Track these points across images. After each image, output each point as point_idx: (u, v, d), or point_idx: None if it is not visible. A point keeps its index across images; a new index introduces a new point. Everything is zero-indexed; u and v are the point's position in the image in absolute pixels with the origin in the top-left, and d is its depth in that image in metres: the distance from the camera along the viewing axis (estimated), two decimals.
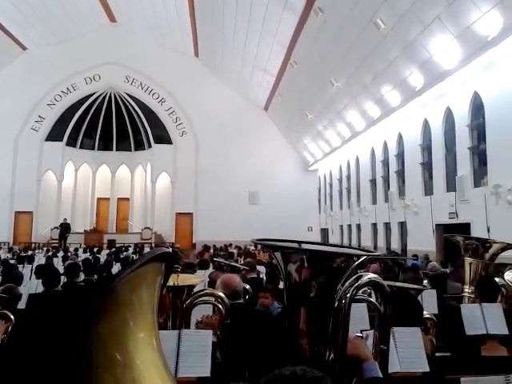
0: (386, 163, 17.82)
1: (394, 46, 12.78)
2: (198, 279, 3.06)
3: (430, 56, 11.94)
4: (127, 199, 26.75)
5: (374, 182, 19.04)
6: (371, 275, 1.63)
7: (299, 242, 1.64)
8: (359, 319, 2.94)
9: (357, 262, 1.55)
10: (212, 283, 4.84)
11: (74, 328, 0.58)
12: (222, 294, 2.67)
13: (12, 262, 10.37)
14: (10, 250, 18.36)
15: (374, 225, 18.71)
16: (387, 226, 17.49)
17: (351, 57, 14.66)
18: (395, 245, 16.54)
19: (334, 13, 13.77)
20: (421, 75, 12.81)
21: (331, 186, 25.06)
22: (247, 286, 4.51)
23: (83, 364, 0.59)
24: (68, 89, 25.06)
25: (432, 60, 11.97)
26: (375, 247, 18.10)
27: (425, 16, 11.08)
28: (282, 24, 16.00)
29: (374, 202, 18.82)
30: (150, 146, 26.19)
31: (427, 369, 2.50)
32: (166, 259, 0.71)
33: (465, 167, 12.39)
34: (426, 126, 14.60)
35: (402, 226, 16.21)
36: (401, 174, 16.51)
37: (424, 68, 12.48)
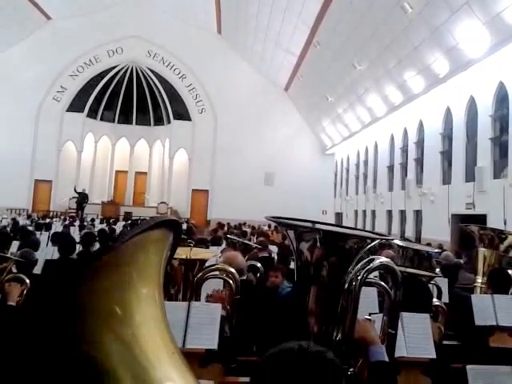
0: (405, 150, 17.62)
1: (419, 30, 12.51)
2: (210, 254, 3.09)
3: (457, 43, 11.67)
4: (145, 173, 26.95)
5: (391, 168, 18.87)
6: (383, 259, 1.62)
7: (313, 222, 1.64)
8: (369, 302, 2.95)
9: (370, 245, 1.55)
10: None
11: (69, 281, 0.59)
12: (233, 270, 2.69)
13: (30, 228, 10.57)
14: (29, 217, 18.72)
15: (390, 212, 18.60)
16: (403, 213, 17.37)
17: (376, 40, 14.40)
18: (409, 233, 16.45)
19: None
20: (446, 62, 12.55)
21: (348, 170, 24.90)
22: (258, 264, 4.54)
23: (79, 317, 0.60)
24: (91, 60, 25.12)
25: (458, 47, 11.70)
26: (389, 234, 18.02)
27: (453, 1, 10.79)
28: (308, 3, 15.74)
29: (391, 188, 18.68)
30: (169, 122, 26.24)
31: (434, 355, 2.50)
32: (174, 227, 0.72)
33: (485, 158, 12.20)
34: (448, 115, 14.36)
35: (418, 214, 16.09)
36: (419, 161, 16.32)
37: (449, 55, 12.22)
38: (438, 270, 5.67)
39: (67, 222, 15.18)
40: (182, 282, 2.59)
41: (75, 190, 22.66)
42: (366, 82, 16.99)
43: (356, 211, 22.86)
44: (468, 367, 2.16)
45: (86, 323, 0.61)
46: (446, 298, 4.18)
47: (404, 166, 17.64)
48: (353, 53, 16.10)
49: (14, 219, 14.65)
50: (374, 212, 20.45)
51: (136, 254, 0.66)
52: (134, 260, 0.66)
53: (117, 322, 0.63)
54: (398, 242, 5.56)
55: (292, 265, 4.94)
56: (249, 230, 14.59)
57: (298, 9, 16.45)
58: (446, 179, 14.43)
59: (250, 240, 9.25)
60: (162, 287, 0.72)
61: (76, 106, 25.24)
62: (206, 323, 2.48)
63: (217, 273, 2.75)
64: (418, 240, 15.28)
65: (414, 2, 11.92)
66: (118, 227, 13.63)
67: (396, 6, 12.43)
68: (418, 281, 2.94)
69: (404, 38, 13.21)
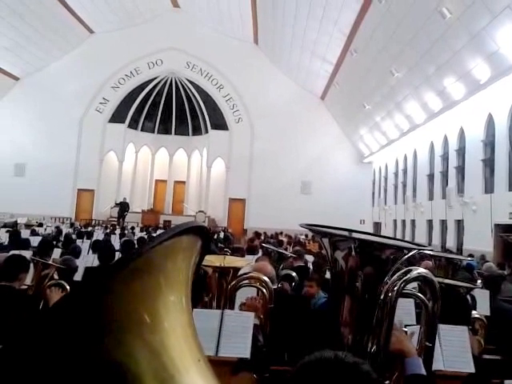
0: (445, 158, 17.20)
1: (459, 36, 12.24)
2: (244, 262, 3.10)
3: (498, 48, 11.35)
4: (183, 182, 27.36)
5: (431, 177, 18.45)
6: (421, 270, 1.59)
7: (349, 230, 1.62)
8: (405, 314, 2.89)
9: (407, 255, 1.51)
10: None
11: (98, 287, 0.60)
12: (266, 279, 2.69)
13: (73, 236, 10.88)
14: (72, 225, 19.29)
15: (430, 221, 18.17)
16: (443, 223, 16.93)
17: (414, 46, 14.18)
18: (451, 243, 16.00)
19: (398, 1, 13.34)
20: (487, 67, 12.22)
21: (386, 179, 24.51)
22: (293, 274, 4.52)
23: (109, 321, 0.61)
24: (131, 72, 25.80)
25: (499, 52, 11.39)
26: (430, 244, 17.57)
27: (494, 5, 10.52)
28: (344, 11, 15.68)
29: (431, 197, 18.26)
30: (206, 132, 26.58)
31: (472, 369, 2.42)
32: (202, 233, 0.72)
33: None
34: (490, 121, 13.94)
35: (459, 224, 15.64)
36: (460, 170, 15.90)
37: (490, 60, 11.89)
38: (479, 281, 5.49)
39: (108, 231, 15.55)
40: (216, 290, 2.60)
41: (116, 202, 23.25)
42: (405, 89, 16.73)
43: (395, 221, 22.43)
44: (506, 382, 2.07)
45: (115, 328, 0.61)
46: (487, 311, 4.03)
47: (444, 175, 17.22)
48: (390, 60, 15.91)
49: (57, 227, 15.12)
50: (413, 222, 20.02)
51: (164, 260, 0.67)
52: (162, 266, 0.67)
53: (145, 329, 0.64)
54: (429, 251, 5.39)
55: (328, 274, 4.89)
56: (285, 240, 14.56)
57: (335, 17, 16.41)
58: (489, 188, 13.99)
59: (286, 249, 9.22)
60: (189, 294, 0.73)
61: (117, 117, 25.95)
62: (238, 332, 2.48)
63: (250, 281, 2.75)
64: (460, 251, 14.84)
65: (453, 7, 11.70)
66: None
67: (434, 12, 12.22)
68: (456, 292, 2.85)
69: (443, 43, 12.96)
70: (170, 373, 0.64)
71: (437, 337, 2.37)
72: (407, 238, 20.06)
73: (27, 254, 4.90)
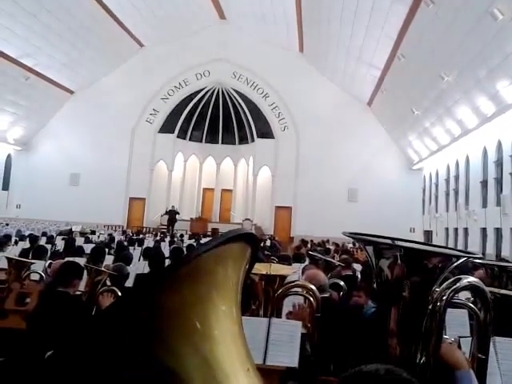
0: (499, 164, 16.53)
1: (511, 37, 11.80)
2: (290, 270, 3.10)
3: None
4: (230, 191, 27.62)
5: (485, 183, 17.77)
6: (471, 278, 1.55)
7: (393, 239, 1.59)
8: (459, 325, 2.80)
9: (455, 264, 1.48)
10: None
11: (149, 292, 0.61)
12: (313, 287, 2.68)
13: (124, 243, 11.20)
14: (124, 232, 19.86)
15: (484, 230, 17.48)
16: (498, 231, 16.25)
17: (464, 49, 13.78)
18: (506, 252, 15.32)
19: (447, 3, 13.02)
20: None
21: (437, 186, 23.80)
22: (341, 283, 4.47)
23: (157, 329, 0.62)
24: (180, 84, 26.39)
25: None
26: (484, 254, 16.90)
27: None
28: (390, 16, 15.46)
29: (485, 205, 17.57)
30: (252, 140, 26.77)
31: None
32: (251, 240, 0.73)
33: None
34: None
35: None
36: None
37: None
38: None
39: (158, 238, 15.90)
40: (263, 298, 2.62)
41: (166, 210, 23.79)
42: (455, 93, 16.25)
43: (447, 229, 21.72)
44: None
45: (166, 335, 0.63)
46: None
47: (499, 181, 16.54)
48: (439, 64, 15.52)
49: (110, 235, 15.61)
50: (466, 230, 19.31)
51: (214, 267, 0.68)
52: (213, 273, 0.68)
53: (196, 336, 0.65)
54: (479, 259, 5.15)
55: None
56: (332, 248, 14.41)
57: (381, 22, 16.21)
58: None
59: (333, 257, 9.12)
60: (239, 303, 0.73)
61: (167, 127, 26.59)
62: (286, 340, 2.48)
63: (297, 289, 2.75)
64: None
65: (504, 8, 11.29)
66: None
67: (485, 13, 11.84)
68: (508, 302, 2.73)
69: (495, 45, 12.52)
70: (218, 380, 0.65)
71: (492, 350, 2.28)
72: (459, 247, 19.37)
73: (81, 260, 5.09)
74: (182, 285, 0.63)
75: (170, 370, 0.62)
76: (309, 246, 15.41)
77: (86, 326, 0.61)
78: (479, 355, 1.55)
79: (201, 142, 27.69)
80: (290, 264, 6.36)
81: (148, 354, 0.61)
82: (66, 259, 4.90)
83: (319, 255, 7.16)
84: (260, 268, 2.73)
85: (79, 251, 7.65)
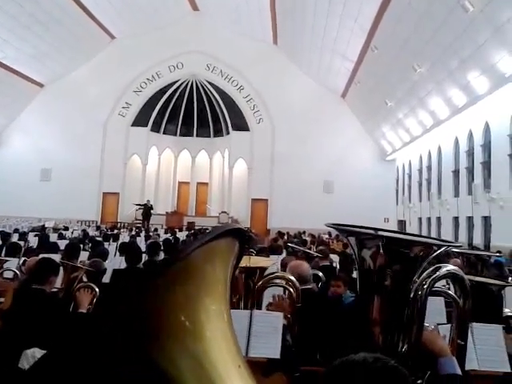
0: (470, 154, 16.91)
1: (482, 29, 12.02)
2: (270, 262, 3.10)
3: None
4: (206, 184, 27.51)
5: (456, 173, 18.15)
6: (450, 267, 1.57)
7: (375, 229, 1.60)
8: (436, 312, 2.85)
9: (436, 253, 1.49)
10: (285, 268, 4.87)
11: (145, 291, 0.60)
12: (293, 278, 2.69)
13: (99, 239, 11.04)
14: (98, 228, 19.59)
15: (456, 218, 17.88)
16: (470, 220, 16.64)
17: (436, 41, 13.97)
18: (478, 240, 15.72)
19: None
20: (511, 61, 11.96)
21: (410, 176, 24.21)
22: (320, 273, 4.50)
23: (150, 328, 0.61)
24: (153, 76, 26.05)
25: None
26: (456, 242, 17.30)
27: None
28: (364, 7, 15.55)
29: (457, 194, 17.96)
30: (228, 133, 26.68)
31: (508, 369, 2.37)
32: (240, 235, 0.72)
33: None
34: None
35: (486, 220, 15.35)
36: (487, 165, 15.60)
37: None
38: (510, 279, 5.38)
39: (134, 233, 15.74)
40: (243, 290, 2.61)
41: (139, 203, 23.46)
42: (427, 84, 16.49)
43: (420, 219, 22.14)
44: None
45: (158, 334, 0.62)
46: None
47: (470, 171, 16.92)
48: (412, 55, 15.71)
49: (84, 231, 15.37)
50: (439, 219, 19.72)
51: (203, 266, 0.66)
52: (202, 272, 0.67)
53: (188, 337, 0.64)
54: (457, 248, 5.28)
55: (354, 274, 4.85)
56: (309, 239, 14.50)
57: (354, 14, 16.28)
58: None
59: (310, 249, 9.19)
60: (228, 300, 0.72)
61: (140, 120, 26.23)
62: (268, 332, 2.48)
63: (277, 281, 2.75)
64: (488, 247, 14.57)
65: (475, 1, 11.49)
66: (182, 236, 13.99)
67: (457, 5, 12.01)
68: (487, 290, 2.80)
69: (466, 37, 12.74)
70: (211, 379, 0.65)
71: (470, 336, 2.34)
72: (433, 236, 19.77)
73: (56, 257, 5.00)
74: (172, 285, 0.62)
75: (164, 372, 0.61)
76: (285, 237, 15.48)
77: (76, 327, 0.59)
78: (458, 341, 1.58)
79: (175, 135, 27.45)
80: (268, 256, 6.38)
81: (142, 355, 0.60)
82: (41, 256, 4.80)
83: (297, 247, 7.21)
84: None
85: (53, 248, 7.51)
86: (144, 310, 0.60)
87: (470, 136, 16.84)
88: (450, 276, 1.57)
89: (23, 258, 5.78)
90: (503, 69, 12.41)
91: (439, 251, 1.51)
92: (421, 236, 1.98)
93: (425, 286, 1.45)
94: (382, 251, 1.47)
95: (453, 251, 5.87)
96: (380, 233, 1.57)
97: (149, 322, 0.61)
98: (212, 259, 0.68)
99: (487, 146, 15.58)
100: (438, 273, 1.48)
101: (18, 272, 5.18)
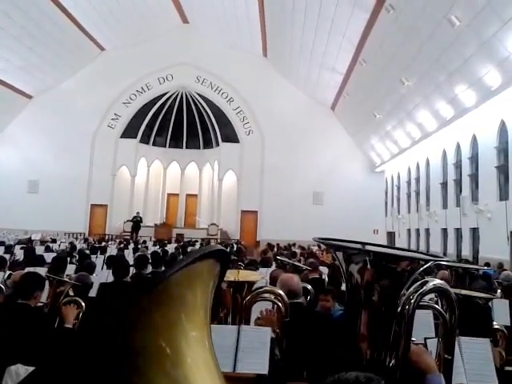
0: (458, 166, 17.07)
1: (469, 43, 12.21)
2: (259, 276, 3.08)
3: (509, 54, 11.30)
4: (195, 195, 27.44)
5: (445, 185, 18.30)
6: (437, 281, 1.57)
7: (363, 243, 1.60)
8: (424, 326, 2.84)
9: (423, 267, 1.49)
10: (273, 281, 4.84)
11: (122, 316, 0.58)
12: (281, 292, 2.67)
13: (86, 252, 10.92)
14: (86, 240, 19.37)
15: (444, 230, 17.98)
16: (458, 231, 16.75)
17: (423, 55, 14.16)
18: (466, 252, 15.81)
19: (407, 10, 13.36)
20: (498, 74, 12.16)
21: (399, 188, 24.36)
22: (309, 286, 4.49)
23: (132, 352, 0.59)
24: (142, 88, 26.06)
25: (510, 58, 11.35)
26: (445, 253, 17.39)
27: (503, 11, 10.49)
28: (352, 22, 15.73)
29: (445, 206, 18.09)
30: (217, 145, 26.69)
31: (496, 383, 2.36)
32: (221, 257, 0.70)
33: None
34: (503, 128, 13.83)
35: (475, 232, 15.46)
36: (474, 177, 15.75)
37: (502, 67, 11.83)
38: (499, 291, 5.40)
39: (122, 245, 15.58)
40: (231, 305, 2.59)
41: (129, 220, 23.33)
42: (415, 97, 16.68)
43: (409, 230, 22.24)
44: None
45: (138, 362, 0.60)
46: (507, 321, 3.96)
47: (458, 183, 17.07)
48: (400, 69, 15.90)
49: (71, 243, 15.19)
50: (427, 230, 19.82)
51: (183, 290, 0.65)
52: (182, 295, 0.65)
53: (167, 361, 0.62)
54: (445, 262, 5.30)
55: (343, 286, 4.84)
56: (298, 251, 14.49)
57: (343, 28, 16.47)
58: (503, 195, 13.83)
59: (299, 261, 9.17)
60: (209, 324, 0.71)
61: (129, 132, 26.18)
62: (256, 347, 2.46)
63: (266, 295, 2.73)
64: (476, 259, 14.66)
65: (461, 15, 11.68)
66: (171, 249, 13.88)
67: (443, 20, 12.21)
68: (475, 303, 2.80)
69: (453, 51, 12.93)
70: None
71: (458, 350, 2.33)
72: (422, 247, 19.85)
73: (42, 270, 4.94)
74: (150, 309, 0.61)
75: None
76: (275, 249, 15.45)
77: (60, 343, 0.58)
78: (445, 355, 1.57)
79: (164, 146, 27.41)
80: (258, 269, 6.36)
81: (120, 377, 0.59)
82: (27, 269, 4.74)
83: (286, 259, 7.19)
84: (228, 275, 2.71)
85: (40, 261, 7.42)
86: (123, 332, 0.59)
87: (458, 148, 17.01)
88: (436, 290, 1.57)
89: (8, 272, 5.69)
90: (490, 82, 12.59)
91: (426, 265, 1.52)
92: (408, 250, 1.98)
93: (412, 301, 1.44)
94: (369, 266, 1.47)
95: (443, 265, 5.90)
96: (367, 247, 1.56)
97: (127, 346, 0.59)
98: (193, 283, 0.66)
99: (475, 159, 15.74)
100: (424, 287, 1.47)
101: (2, 286, 5.09)
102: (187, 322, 0.65)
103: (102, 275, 6.15)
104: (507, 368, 2.90)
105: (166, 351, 0.62)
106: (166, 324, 0.63)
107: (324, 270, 7.26)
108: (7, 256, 8.09)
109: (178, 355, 0.63)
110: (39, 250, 11.14)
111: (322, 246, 17.07)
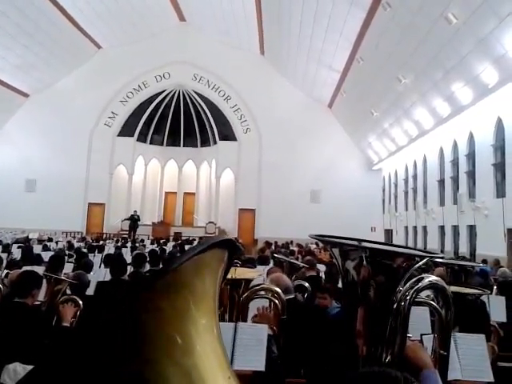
0: (455, 163, 17.10)
1: (466, 41, 12.22)
2: (255, 273, 3.09)
3: (505, 52, 11.30)
4: (193, 194, 27.42)
5: (442, 182, 18.34)
6: (432, 277, 1.58)
7: (359, 240, 1.61)
8: (420, 323, 2.85)
9: (419, 264, 1.50)
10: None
11: (133, 305, 0.59)
12: (278, 290, 2.68)
13: (84, 250, 10.91)
14: (83, 239, 19.36)
15: (442, 227, 18.02)
16: (455, 229, 16.79)
17: (420, 53, 14.18)
18: (463, 249, 15.85)
19: (403, 7, 13.37)
20: (495, 72, 12.17)
21: (396, 185, 24.39)
22: (306, 284, 4.50)
23: (142, 342, 0.60)
24: (139, 86, 26.02)
25: (507, 56, 11.34)
26: (442, 251, 17.42)
27: (500, 9, 10.50)
28: (349, 20, 15.73)
29: (442, 203, 18.12)
30: (215, 143, 26.68)
31: (491, 378, 2.38)
32: (229, 246, 0.71)
33: None
34: (500, 125, 13.85)
35: (472, 229, 15.50)
36: (471, 174, 15.79)
37: (498, 64, 11.84)
38: (495, 287, 5.42)
39: (119, 244, 15.57)
40: (228, 302, 2.60)
41: (126, 219, 23.28)
42: (412, 95, 16.70)
43: (406, 227, 22.28)
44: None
45: (149, 351, 0.61)
46: (503, 317, 3.98)
47: (455, 180, 17.11)
48: (397, 66, 15.91)
49: (68, 242, 15.17)
50: (425, 228, 19.87)
51: (192, 279, 0.66)
52: (191, 285, 0.66)
53: (177, 350, 0.63)
54: (440, 259, 5.32)
55: (340, 284, 4.85)
56: (296, 249, 14.52)
57: (340, 26, 16.47)
58: (500, 192, 13.86)
59: (297, 259, 9.19)
60: (217, 312, 0.72)
61: (126, 130, 26.14)
62: (253, 344, 2.47)
63: (262, 293, 2.74)
64: (473, 256, 14.70)
65: (458, 13, 11.69)
66: (169, 247, 13.88)
67: (440, 17, 12.22)
68: (470, 300, 2.81)
69: (450, 49, 12.94)
70: None
71: (454, 346, 2.34)
72: (419, 245, 19.89)
73: (40, 269, 4.92)
74: (160, 298, 0.61)
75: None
76: (273, 247, 15.47)
77: (65, 340, 0.59)
78: (441, 351, 1.58)
79: (162, 145, 27.39)
80: (255, 266, 6.37)
81: (130, 369, 0.59)
82: (24, 268, 4.73)
83: (284, 257, 7.20)
84: None
85: (37, 260, 7.40)
86: (132, 322, 0.59)
87: (455, 146, 17.04)
88: (431, 286, 1.57)
89: (6, 271, 5.68)
90: (486, 80, 12.61)
91: (422, 262, 1.52)
92: (405, 247, 1.99)
93: (408, 297, 1.45)
94: (365, 262, 1.47)
95: (439, 262, 5.91)
96: (363, 244, 1.57)
97: (137, 335, 0.60)
98: (201, 272, 0.67)
99: (471, 156, 15.77)
100: (420, 284, 1.48)
101: (0, 285, 5.09)
102: (196, 310, 0.66)
103: (99, 274, 6.15)
104: (501, 364, 2.92)
105: (175, 339, 0.63)
106: (176, 313, 0.64)
107: (321, 267, 7.28)
108: (4, 255, 8.08)
109: (187, 344, 0.64)
110: (37, 248, 11.12)
111: (320, 244, 17.09)
